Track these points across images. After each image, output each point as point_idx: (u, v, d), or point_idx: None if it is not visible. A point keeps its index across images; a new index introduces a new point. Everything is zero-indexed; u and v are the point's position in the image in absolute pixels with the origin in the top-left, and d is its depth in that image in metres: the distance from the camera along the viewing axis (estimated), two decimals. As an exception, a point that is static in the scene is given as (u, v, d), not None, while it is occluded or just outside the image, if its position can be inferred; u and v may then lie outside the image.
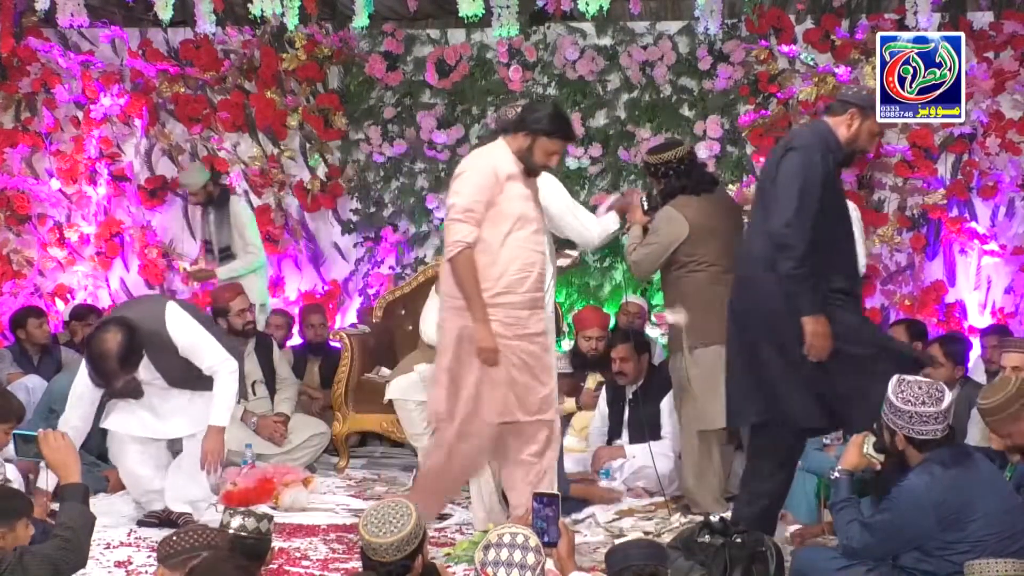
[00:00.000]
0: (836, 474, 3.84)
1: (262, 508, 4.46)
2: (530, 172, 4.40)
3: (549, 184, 4.68)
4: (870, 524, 3.64)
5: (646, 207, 5.12)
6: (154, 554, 3.45)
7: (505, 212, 4.30)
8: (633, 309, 6.50)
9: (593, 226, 4.91)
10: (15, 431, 4.14)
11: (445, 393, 4.37)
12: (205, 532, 3.10)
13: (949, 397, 3.56)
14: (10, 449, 4.41)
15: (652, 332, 6.86)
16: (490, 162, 4.33)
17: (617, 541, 4.48)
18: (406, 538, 3.01)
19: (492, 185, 4.27)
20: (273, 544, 3.71)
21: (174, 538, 3.11)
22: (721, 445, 5.11)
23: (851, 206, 5.41)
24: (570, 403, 6.00)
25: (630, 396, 5.73)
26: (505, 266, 4.29)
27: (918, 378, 3.66)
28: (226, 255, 6.94)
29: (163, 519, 4.87)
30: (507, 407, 4.33)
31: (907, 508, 3.53)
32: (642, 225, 5.12)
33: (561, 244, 5.22)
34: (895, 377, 3.67)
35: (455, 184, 4.34)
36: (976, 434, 5.06)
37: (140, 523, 4.92)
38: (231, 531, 3.45)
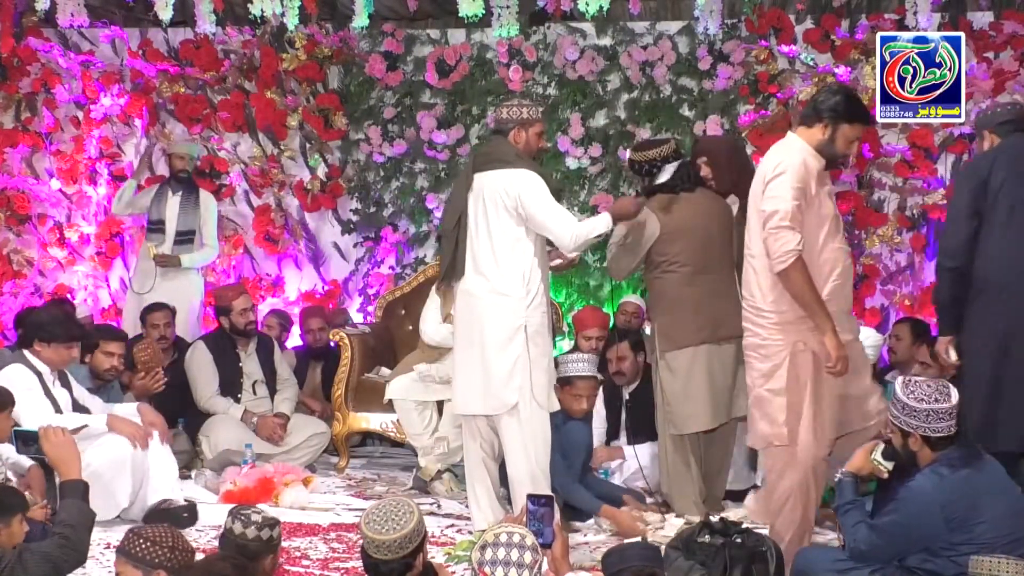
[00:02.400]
0: (840, 476, 3.84)
1: (262, 507, 4.44)
2: (830, 164, 4.21)
3: (527, 182, 4.63)
4: (877, 526, 3.63)
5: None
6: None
7: (821, 214, 4.10)
8: (631, 308, 6.50)
9: (566, 230, 4.61)
10: (15, 428, 4.14)
11: (785, 416, 4.09)
12: (170, 533, 3.05)
13: (956, 393, 3.58)
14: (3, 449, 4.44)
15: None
16: (799, 159, 4.07)
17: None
18: (408, 536, 3.02)
19: (808, 185, 4.05)
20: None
21: (140, 535, 3.03)
22: (700, 448, 5.03)
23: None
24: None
25: (627, 397, 5.73)
26: (827, 273, 4.10)
27: (920, 378, 3.67)
28: (185, 239, 6.88)
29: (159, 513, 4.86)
30: (862, 414, 4.23)
31: (915, 509, 3.53)
32: (627, 225, 5.03)
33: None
34: (900, 379, 3.69)
35: (771, 188, 4.06)
36: None
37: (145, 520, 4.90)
38: (234, 535, 3.43)
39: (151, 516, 4.77)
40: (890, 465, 3.77)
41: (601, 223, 4.69)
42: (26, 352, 4.88)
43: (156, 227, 6.91)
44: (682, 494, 4.95)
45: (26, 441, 3.96)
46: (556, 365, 4.92)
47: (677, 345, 4.89)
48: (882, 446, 3.81)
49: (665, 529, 4.64)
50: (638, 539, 4.48)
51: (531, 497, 3.43)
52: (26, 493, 4.15)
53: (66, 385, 4.98)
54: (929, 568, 3.54)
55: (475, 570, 2.92)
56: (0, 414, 4.20)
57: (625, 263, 5.01)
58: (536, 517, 3.38)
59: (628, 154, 5.26)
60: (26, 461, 4.49)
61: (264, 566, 3.24)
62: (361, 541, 3.11)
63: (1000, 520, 3.47)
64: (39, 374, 4.84)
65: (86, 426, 4.71)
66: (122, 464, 4.75)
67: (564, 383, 4.94)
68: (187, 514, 4.89)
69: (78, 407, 4.96)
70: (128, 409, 5.13)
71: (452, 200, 4.88)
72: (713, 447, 5.11)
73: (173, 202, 6.92)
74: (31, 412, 4.60)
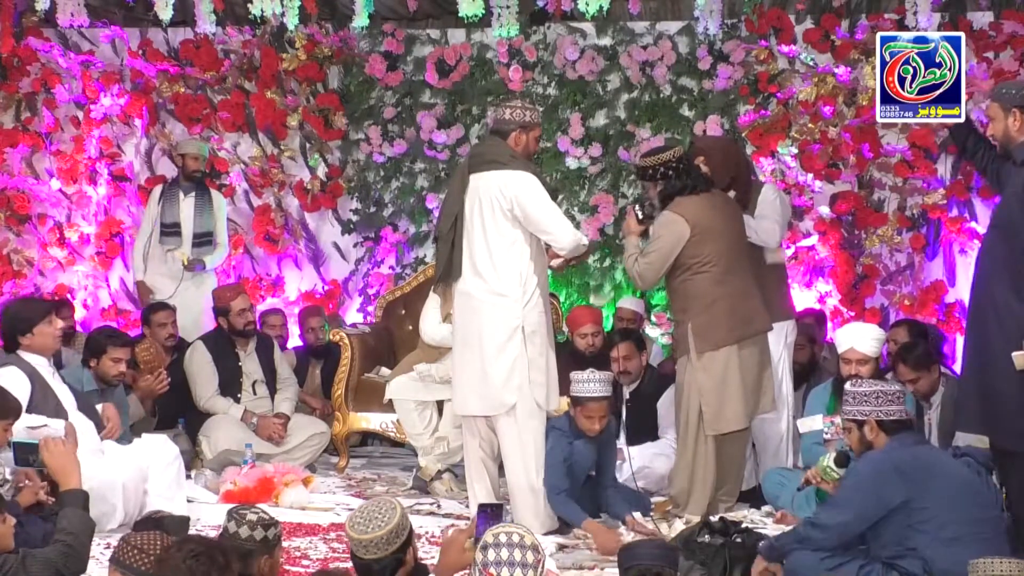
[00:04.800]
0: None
1: (262, 508, 4.45)
2: None
3: (523, 183, 4.65)
4: (836, 500, 3.74)
5: (640, 216, 5.02)
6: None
7: None
8: (627, 315, 6.50)
9: (564, 232, 4.70)
10: (14, 440, 4.13)
11: None
12: (159, 541, 3.02)
13: (898, 386, 3.85)
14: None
15: (652, 332, 6.87)
16: None
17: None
18: (394, 530, 3.04)
19: None
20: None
21: (129, 543, 2.95)
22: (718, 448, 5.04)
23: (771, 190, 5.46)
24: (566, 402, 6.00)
25: (627, 396, 5.72)
26: None
27: None
28: (204, 241, 6.89)
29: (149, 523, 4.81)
30: None
31: (870, 470, 3.64)
32: (637, 235, 5.05)
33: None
34: (848, 382, 3.91)
35: None
36: (963, 435, 5.06)
37: (136, 526, 4.85)
38: (228, 535, 3.43)
39: (141, 525, 4.75)
40: (842, 471, 3.88)
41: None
42: (20, 352, 4.75)
43: (171, 230, 6.89)
44: (699, 496, 4.96)
45: (25, 452, 3.96)
46: (569, 381, 4.87)
47: (714, 345, 4.88)
48: (833, 454, 3.94)
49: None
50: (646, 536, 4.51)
51: (481, 506, 3.43)
52: (25, 483, 4.16)
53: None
54: (909, 546, 3.57)
55: (481, 571, 2.92)
56: (2, 422, 4.17)
57: (654, 271, 4.96)
58: (489, 526, 3.34)
59: (637, 161, 5.22)
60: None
61: (259, 566, 3.22)
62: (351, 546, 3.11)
63: (954, 481, 3.61)
64: (35, 373, 4.71)
65: (46, 425, 4.57)
66: (112, 486, 4.63)
67: (576, 403, 4.83)
68: (178, 524, 4.77)
69: (82, 402, 4.89)
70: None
71: (448, 201, 4.89)
72: (731, 447, 5.11)
73: (187, 204, 6.91)
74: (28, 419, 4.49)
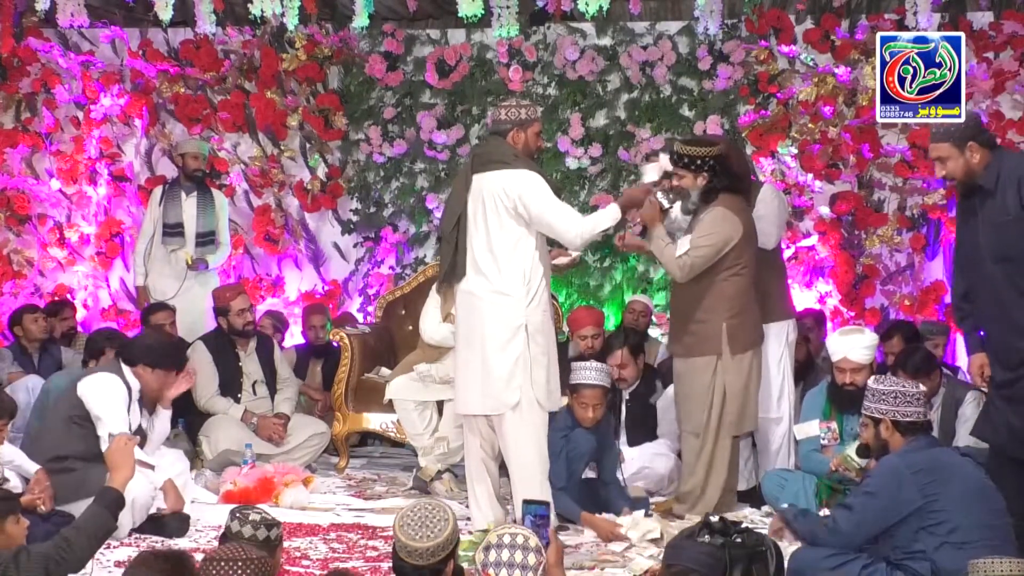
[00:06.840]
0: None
1: (262, 508, 4.44)
2: None
3: (527, 182, 4.64)
4: (852, 504, 3.73)
5: (665, 205, 4.89)
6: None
7: None
8: (639, 307, 6.50)
9: (572, 228, 4.63)
10: None
11: None
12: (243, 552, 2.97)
13: (923, 387, 3.83)
14: (5, 451, 4.42)
15: (654, 332, 6.86)
16: None
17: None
18: (442, 544, 2.97)
19: None
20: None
21: (216, 559, 2.88)
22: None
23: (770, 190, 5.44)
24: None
25: (627, 397, 5.72)
26: None
27: None
28: (207, 241, 6.90)
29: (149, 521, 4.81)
30: None
31: (886, 478, 3.63)
32: (661, 223, 4.93)
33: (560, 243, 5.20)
34: (873, 376, 3.92)
35: None
36: (965, 435, 5.05)
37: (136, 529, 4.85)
38: (232, 534, 3.43)
39: (142, 526, 4.73)
40: (864, 462, 3.96)
41: (607, 217, 4.68)
42: (124, 367, 4.79)
43: (174, 230, 6.88)
44: (712, 495, 4.98)
45: None
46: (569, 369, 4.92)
47: (744, 348, 4.96)
48: (856, 443, 3.96)
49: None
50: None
51: (527, 502, 3.39)
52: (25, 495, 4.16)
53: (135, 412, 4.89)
54: (917, 549, 3.57)
55: (479, 571, 2.92)
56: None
57: (703, 264, 4.90)
58: (533, 523, 3.32)
59: (677, 148, 5.00)
60: (31, 465, 4.48)
61: None
62: (392, 540, 3.07)
63: (968, 487, 3.59)
64: (128, 390, 4.75)
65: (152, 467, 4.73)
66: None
67: (572, 390, 4.92)
68: (178, 524, 4.77)
69: (140, 435, 4.85)
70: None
71: (451, 202, 4.88)
72: (735, 448, 5.15)
73: (189, 203, 6.90)
74: (115, 422, 4.58)
